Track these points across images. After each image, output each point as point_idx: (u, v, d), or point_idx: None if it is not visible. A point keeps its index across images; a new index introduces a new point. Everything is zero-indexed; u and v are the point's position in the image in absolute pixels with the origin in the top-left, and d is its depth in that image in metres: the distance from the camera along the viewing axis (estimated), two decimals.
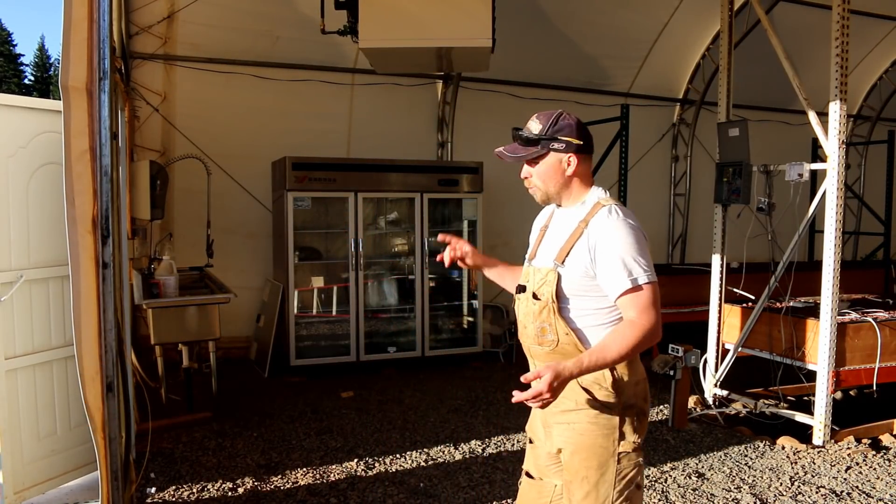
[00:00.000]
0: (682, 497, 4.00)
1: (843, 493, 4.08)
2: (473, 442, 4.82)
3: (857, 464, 4.53)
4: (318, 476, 4.21)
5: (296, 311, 6.57)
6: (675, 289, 7.60)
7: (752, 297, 5.72)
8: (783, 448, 4.80)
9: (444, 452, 4.63)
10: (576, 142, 2.22)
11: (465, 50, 4.84)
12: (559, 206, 2.32)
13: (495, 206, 7.53)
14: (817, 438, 4.91)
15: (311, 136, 7.31)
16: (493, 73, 6.42)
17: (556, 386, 2.02)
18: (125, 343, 3.67)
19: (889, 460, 4.61)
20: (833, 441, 4.91)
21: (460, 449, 4.68)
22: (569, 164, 2.23)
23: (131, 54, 6.50)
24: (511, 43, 6.27)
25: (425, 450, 4.66)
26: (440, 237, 2.57)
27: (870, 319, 5.20)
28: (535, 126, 2.25)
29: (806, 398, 5.53)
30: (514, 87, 8.03)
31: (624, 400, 2.20)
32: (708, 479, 4.26)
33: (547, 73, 8.14)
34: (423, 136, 8.02)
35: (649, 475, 4.29)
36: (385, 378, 6.53)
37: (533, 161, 2.26)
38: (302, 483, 4.11)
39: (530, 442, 2.44)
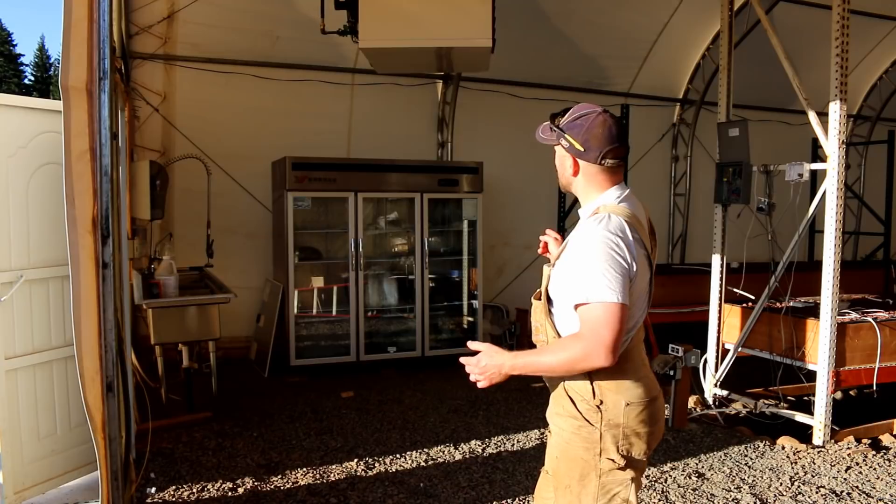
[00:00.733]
0: (682, 497, 4.00)
1: (843, 493, 4.08)
2: (473, 442, 4.82)
3: (857, 464, 4.53)
4: (318, 476, 4.21)
5: (296, 311, 6.57)
6: (675, 289, 7.62)
7: (752, 297, 5.72)
8: (783, 448, 4.80)
9: (444, 452, 4.63)
10: (577, 146, 2.14)
11: (465, 50, 4.84)
12: (580, 203, 2.29)
13: (495, 206, 7.54)
14: (817, 438, 4.91)
15: (311, 136, 7.31)
16: (493, 73, 6.41)
17: (484, 368, 2.10)
18: (125, 343, 3.67)
19: (889, 460, 4.61)
20: (833, 441, 4.91)
21: (460, 449, 4.68)
22: (570, 165, 2.19)
23: (131, 54, 6.50)
24: (511, 43, 6.27)
25: (425, 450, 4.66)
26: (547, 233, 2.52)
27: (870, 319, 5.20)
28: (565, 115, 2.22)
29: (806, 398, 5.53)
30: (514, 87, 8.03)
31: (608, 418, 2.09)
32: (708, 479, 4.26)
33: (547, 73, 8.14)
34: (423, 136, 8.02)
35: (649, 475, 4.29)
36: (385, 378, 6.53)
37: (557, 151, 2.25)
38: (302, 483, 4.11)
39: (549, 429, 2.40)
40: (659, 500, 3.96)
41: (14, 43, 43.14)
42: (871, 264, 9.60)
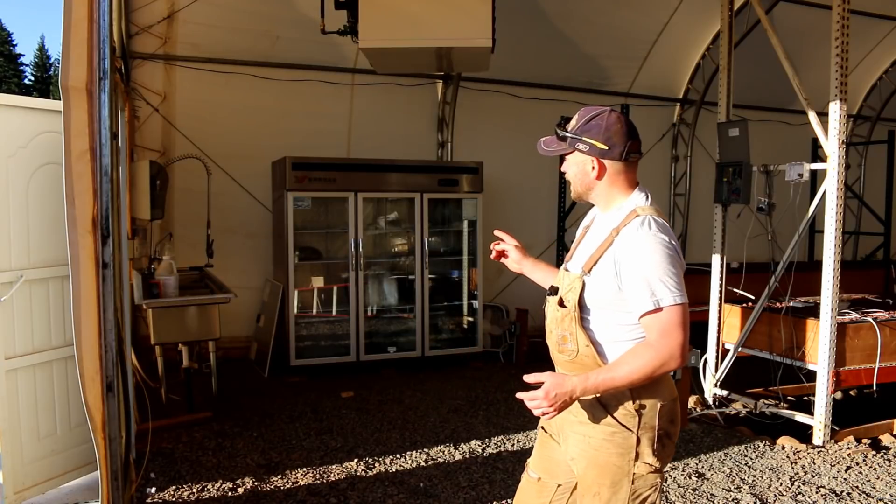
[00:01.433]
0: (682, 497, 4.00)
1: (843, 493, 4.08)
2: (473, 442, 4.82)
3: (857, 464, 4.53)
4: (318, 476, 4.21)
5: (296, 311, 6.57)
6: None
7: (752, 297, 5.72)
8: (783, 448, 4.80)
9: (444, 452, 4.63)
10: (599, 146, 2.09)
11: (465, 50, 4.84)
12: (601, 209, 2.22)
13: (495, 206, 7.53)
14: (817, 438, 4.91)
15: (311, 136, 7.31)
16: (493, 73, 6.41)
17: (556, 397, 1.97)
18: (125, 343, 3.67)
19: (889, 460, 4.61)
20: (833, 441, 4.91)
21: (460, 449, 4.68)
22: (593, 168, 2.13)
23: (131, 54, 6.50)
24: (511, 43, 6.26)
25: (425, 450, 4.66)
26: (496, 233, 2.54)
27: (870, 319, 5.20)
28: (572, 121, 2.16)
29: (806, 398, 5.53)
30: (514, 87, 8.03)
31: (644, 421, 2.09)
32: (708, 479, 4.26)
33: (547, 73, 8.14)
34: (423, 136, 8.02)
35: None
36: (385, 378, 6.53)
37: (569, 157, 2.19)
38: (302, 483, 4.11)
39: (545, 432, 2.36)
40: (659, 500, 3.96)
41: (14, 43, 43.16)
42: (871, 264, 9.60)
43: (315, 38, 5.43)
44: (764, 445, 4.83)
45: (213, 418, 5.15)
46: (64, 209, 2.72)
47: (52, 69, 43.10)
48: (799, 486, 4.17)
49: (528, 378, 2.04)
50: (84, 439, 3.67)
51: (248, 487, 4.03)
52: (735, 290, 5.82)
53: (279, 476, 4.20)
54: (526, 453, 4.61)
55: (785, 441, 4.89)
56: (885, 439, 5.02)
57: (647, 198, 2.15)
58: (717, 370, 5.78)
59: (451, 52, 4.94)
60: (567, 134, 2.14)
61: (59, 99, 2.74)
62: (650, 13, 7.92)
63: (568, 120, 2.18)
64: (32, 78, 43.52)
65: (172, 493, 3.94)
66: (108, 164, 2.79)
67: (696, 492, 4.08)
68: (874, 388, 5.21)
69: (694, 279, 7.50)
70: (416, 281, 6.90)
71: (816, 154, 8.46)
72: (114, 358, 2.86)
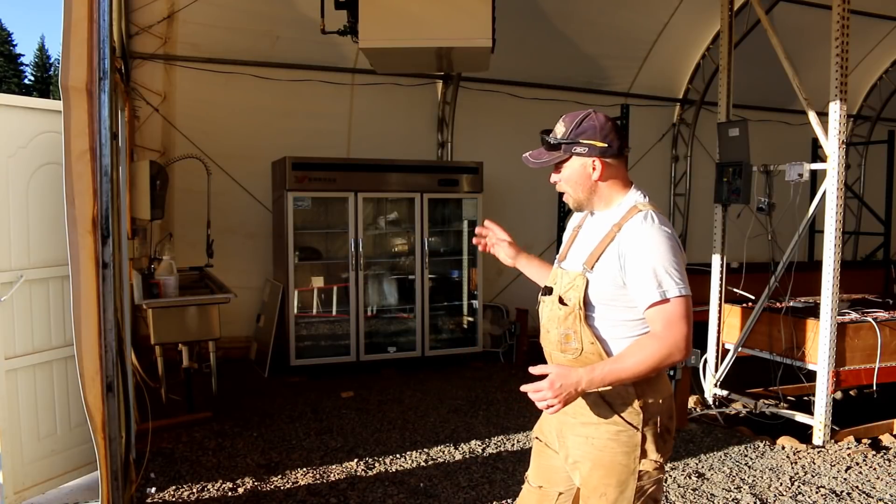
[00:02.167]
0: (682, 497, 4.00)
1: (843, 493, 4.08)
2: (473, 442, 4.82)
3: (857, 464, 4.53)
4: (318, 476, 4.21)
5: (296, 311, 6.57)
6: None
7: (752, 297, 5.72)
8: (783, 448, 4.80)
9: (444, 452, 4.63)
10: (599, 145, 2.08)
11: (465, 50, 4.84)
12: (592, 212, 2.21)
13: (495, 206, 7.53)
14: (817, 438, 4.91)
15: (311, 136, 7.31)
16: (493, 73, 6.41)
17: (560, 389, 1.94)
18: (125, 343, 3.68)
19: (889, 460, 4.61)
20: (833, 441, 4.91)
21: (460, 449, 4.68)
22: (594, 169, 2.11)
23: (131, 54, 6.50)
24: (511, 43, 6.27)
25: (425, 450, 4.66)
26: (486, 223, 2.51)
27: (870, 319, 5.20)
28: (559, 129, 2.13)
29: (806, 398, 5.53)
30: (514, 87, 8.03)
31: (648, 418, 2.09)
32: (708, 479, 4.26)
33: (547, 73, 8.14)
34: (423, 136, 8.02)
35: None
36: (385, 378, 6.53)
37: (558, 166, 2.16)
38: (302, 483, 4.11)
39: (540, 442, 2.34)
40: (661, 493, 3.96)
41: (14, 43, 43.15)
42: (871, 264, 9.60)
43: (315, 38, 5.44)
44: (764, 445, 4.83)
45: (213, 418, 5.15)
46: (64, 209, 2.72)
47: (52, 69, 43.10)
48: (799, 486, 4.17)
49: (534, 370, 2.01)
50: (84, 439, 3.67)
51: (248, 487, 4.03)
52: (735, 290, 5.82)
53: (279, 476, 4.20)
54: (526, 453, 4.60)
55: (785, 441, 4.89)
56: (885, 439, 5.02)
57: (645, 195, 2.16)
58: (717, 370, 5.78)
59: (451, 52, 4.94)
60: (561, 141, 2.12)
61: (59, 99, 2.74)
62: (650, 13, 7.92)
63: (549, 131, 2.16)
64: (32, 78, 43.52)
65: (172, 492, 3.94)
66: (108, 164, 2.79)
67: (696, 492, 4.08)
68: (874, 388, 5.21)
69: (694, 279, 7.47)
70: (416, 281, 6.90)
71: (816, 154, 8.46)
72: (114, 358, 2.86)
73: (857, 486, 4.18)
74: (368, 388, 6.13)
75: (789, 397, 5.67)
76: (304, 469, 4.30)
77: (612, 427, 2.10)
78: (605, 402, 2.10)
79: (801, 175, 5.09)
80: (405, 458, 4.51)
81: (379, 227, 7.15)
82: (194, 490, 3.98)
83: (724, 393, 5.72)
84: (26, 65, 43.88)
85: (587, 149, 2.10)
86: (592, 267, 2.09)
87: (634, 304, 2.05)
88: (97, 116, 2.75)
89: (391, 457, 4.53)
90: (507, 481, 4.16)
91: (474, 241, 2.53)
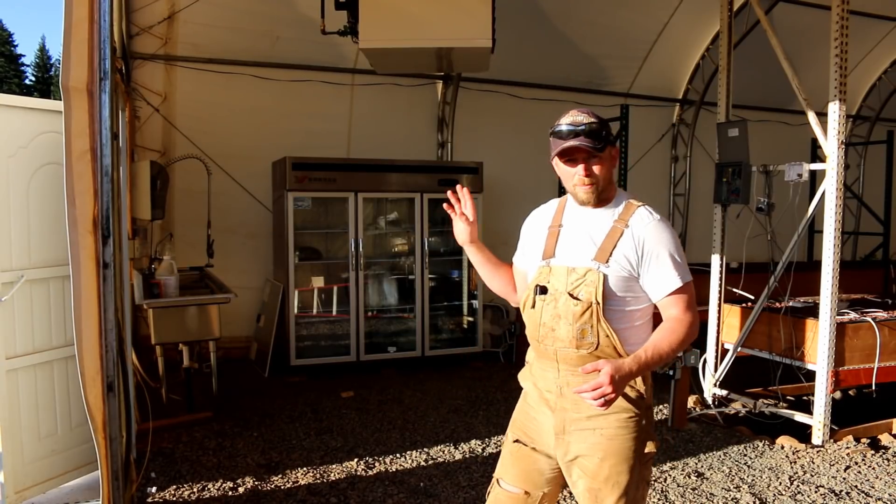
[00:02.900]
0: (682, 497, 4.01)
1: (843, 493, 4.08)
2: (473, 442, 4.82)
3: (857, 463, 4.54)
4: (318, 476, 4.21)
5: (296, 311, 6.58)
6: None
7: (752, 297, 5.73)
8: (782, 448, 4.80)
9: (444, 452, 4.64)
10: (612, 138, 2.21)
11: (465, 50, 4.84)
12: (593, 205, 2.22)
13: (495, 206, 7.54)
14: (816, 438, 4.92)
15: (311, 136, 7.31)
16: (493, 73, 6.42)
17: (619, 381, 1.96)
18: (126, 343, 3.68)
19: (888, 460, 4.61)
20: (832, 441, 4.91)
21: (460, 449, 4.69)
22: (616, 163, 2.26)
23: (132, 54, 6.50)
24: (511, 43, 6.27)
25: (425, 450, 4.67)
26: (458, 189, 2.50)
27: (869, 319, 5.20)
28: (589, 119, 2.17)
29: (805, 398, 5.53)
30: (514, 87, 8.03)
31: (647, 403, 2.21)
32: (707, 479, 4.26)
33: (547, 73, 8.14)
34: (423, 136, 8.03)
35: None
36: (385, 378, 6.53)
37: (599, 158, 2.17)
38: (302, 483, 4.12)
39: (524, 446, 2.32)
40: (658, 499, 3.97)
41: (15, 43, 43.15)
42: (871, 264, 9.61)
43: (315, 38, 5.44)
44: (763, 445, 4.84)
45: (214, 418, 5.16)
46: (64, 209, 2.73)
47: (53, 69, 43.10)
48: (798, 486, 4.18)
49: (586, 368, 2.00)
50: (85, 439, 3.68)
51: (249, 487, 4.04)
52: (734, 289, 5.82)
53: (279, 476, 4.20)
54: None
55: (784, 441, 4.89)
56: (884, 439, 5.02)
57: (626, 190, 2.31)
58: (716, 370, 5.79)
59: (451, 52, 4.95)
60: (605, 131, 2.19)
61: (60, 99, 2.74)
62: (650, 13, 7.93)
63: (587, 122, 2.17)
64: (33, 78, 43.52)
65: (173, 492, 3.95)
66: (108, 164, 2.79)
67: (696, 491, 4.08)
68: (873, 387, 5.22)
69: (693, 279, 7.55)
70: (416, 281, 6.90)
71: (816, 154, 8.47)
72: (114, 358, 2.86)
73: (856, 486, 4.19)
74: (368, 388, 6.14)
75: (788, 397, 5.68)
76: (305, 469, 4.30)
77: (622, 415, 2.16)
78: None
79: (800, 175, 5.09)
80: (405, 458, 4.52)
81: (379, 227, 7.16)
82: (195, 490, 3.99)
83: (724, 393, 5.72)
84: (27, 65, 43.94)
85: (615, 138, 2.16)
86: (607, 261, 2.14)
87: (640, 293, 2.17)
88: (98, 117, 2.75)
89: (391, 457, 4.54)
90: None
91: (445, 206, 2.49)
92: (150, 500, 3.87)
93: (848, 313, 5.35)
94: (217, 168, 6.64)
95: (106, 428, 2.85)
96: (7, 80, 39.95)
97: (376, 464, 4.42)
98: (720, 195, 5.64)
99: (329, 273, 7.06)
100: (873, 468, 4.47)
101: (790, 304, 5.55)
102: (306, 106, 7.29)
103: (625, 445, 2.16)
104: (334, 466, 4.36)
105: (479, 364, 7.10)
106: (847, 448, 4.79)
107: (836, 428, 5.00)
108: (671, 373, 5.15)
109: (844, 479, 4.30)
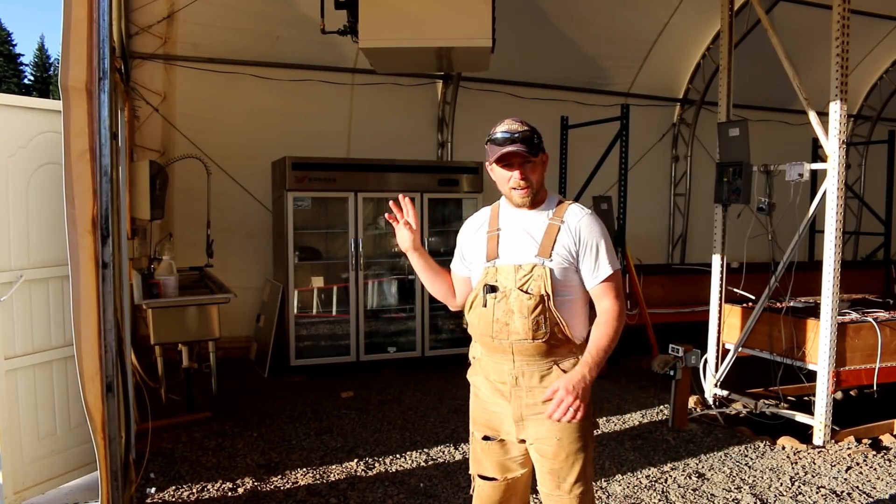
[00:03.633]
0: (683, 497, 4.00)
1: (844, 494, 4.07)
2: None
3: (858, 464, 4.53)
4: (318, 476, 4.21)
5: (296, 311, 6.57)
6: (676, 289, 7.61)
7: (753, 297, 5.72)
8: (783, 448, 4.79)
9: (444, 452, 4.63)
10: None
11: (465, 50, 4.83)
12: (528, 207, 2.41)
13: None
14: (818, 438, 4.91)
15: (311, 136, 7.31)
16: (493, 73, 6.41)
17: (578, 391, 2.21)
18: (125, 343, 3.67)
19: (889, 460, 4.60)
20: (833, 441, 4.91)
21: (460, 449, 4.68)
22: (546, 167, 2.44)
23: (131, 54, 6.50)
24: (511, 43, 6.26)
25: (425, 450, 4.66)
26: (400, 198, 2.58)
27: (870, 319, 5.19)
28: (522, 127, 2.35)
29: (806, 398, 5.52)
30: (514, 87, 8.03)
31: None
32: (708, 480, 4.26)
33: (547, 73, 8.14)
34: (423, 136, 8.02)
35: (649, 475, 4.29)
36: (385, 378, 6.53)
37: (532, 163, 2.36)
38: (302, 483, 4.11)
39: (492, 441, 2.49)
40: (659, 500, 3.96)
41: (14, 43, 43.15)
42: (872, 264, 9.60)
43: (315, 38, 5.43)
44: (764, 445, 4.83)
45: (213, 418, 5.15)
46: (64, 209, 2.72)
47: (52, 69, 43.09)
48: (799, 487, 4.17)
49: (546, 395, 2.28)
50: (84, 439, 3.67)
51: (248, 487, 4.03)
52: (735, 290, 5.81)
53: (279, 476, 4.19)
54: None
55: (785, 441, 4.88)
56: (886, 439, 5.01)
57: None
58: (717, 370, 5.78)
59: (451, 52, 4.94)
60: (539, 142, 2.38)
61: (59, 99, 2.73)
62: (650, 13, 7.92)
63: (518, 131, 2.34)
64: (32, 78, 43.51)
65: (172, 493, 3.94)
66: (107, 164, 2.79)
67: (697, 492, 4.08)
68: (874, 388, 5.21)
69: (694, 279, 7.57)
70: (416, 281, 6.89)
71: (816, 154, 8.46)
72: (114, 358, 2.86)
73: (857, 487, 4.18)
74: (368, 388, 6.13)
75: (789, 397, 5.67)
76: (304, 469, 4.30)
77: None
78: (565, 373, 2.35)
79: (801, 175, 5.09)
80: (405, 458, 4.51)
81: (379, 227, 7.15)
82: (194, 490, 3.98)
83: (725, 393, 5.72)
84: (26, 65, 43.94)
85: (545, 150, 2.41)
86: (550, 255, 2.33)
87: (578, 282, 2.38)
88: (97, 116, 2.75)
89: (391, 457, 4.53)
90: None
91: (388, 216, 2.59)
92: (149, 500, 3.86)
93: (849, 313, 5.34)
94: (217, 168, 6.63)
95: (105, 428, 2.84)
96: (6, 79, 39.96)
97: (376, 464, 4.41)
98: (721, 195, 5.64)
99: (329, 273, 7.05)
100: (875, 469, 4.46)
101: (791, 304, 5.54)
102: (306, 106, 7.29)
103: (578, 426, 2.35)
104: (334, 467, 4.35)
105: None
106: (848, 448, 4.79)
107: (837, 428, 4.99)
108: (672, 373, 5.15)
109: (846, 479, 4.29)
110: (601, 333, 2.33)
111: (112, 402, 2.86)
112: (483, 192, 7.10)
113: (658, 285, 7.53)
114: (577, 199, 7.70)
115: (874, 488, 4.16)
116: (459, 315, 7.45)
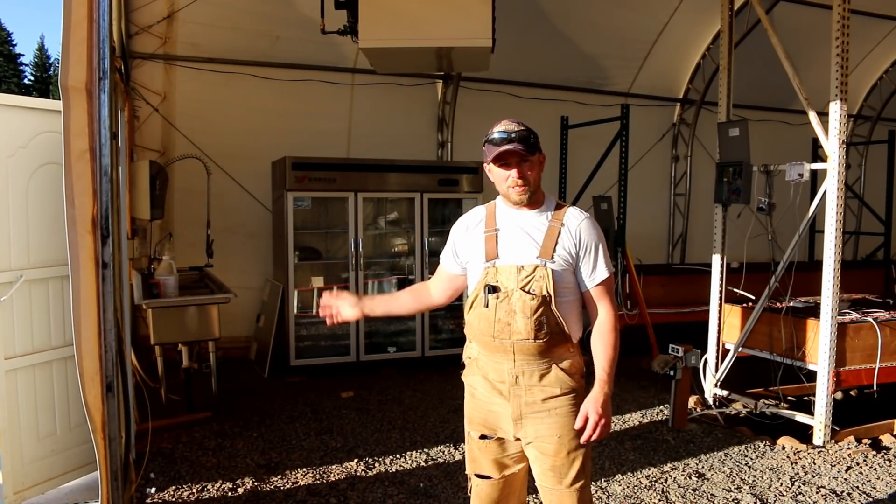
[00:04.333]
0: (683, 497, 4.00)
1: (844, 494, 4.07)
2: None
3: (858, 464, 4.53)
4: (318, 476, 4.21)
5: (296, 311, 6.57)
6: (676, 289, 7.61)
7: (753, 297, 5.72)
8: (783, 448, 4.79)
9: (444, 452, 4.63)
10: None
11: (465, 50, 4.83)
12: (525, 207, 2.45)
13: None
14: (818, 438, 4.91)
15: (311, 136, 7.31)
16: (493, 73, 6.41)
17: (604, 410, 2.32)
18: (125, 343, 3.67)
19: (889, 460, 4.60)
20: (833, 441, 4.91)
21: (460, 449, 4.68)
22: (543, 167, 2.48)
23: (131, 54, 6.50)
24: (511, 43, 6.27)
25: (425, 450, 4.66)
26: (327, 300, 2.76)
27: (870, 319, 5.19)
28: (519, 127, 2.38)
29: (806, 398, 5.52)
30: (514, 87, 8.03)
31: (583, 382, 2.48)
32: (708, 480, 4.26)
33: (547, 73, 8.14)
34: (423, 136, 8.02)
35: (649, 475, 4.29)
36: (385, 378, 6.53)
37: (530, 162, 2.39)
38: (302, 483, 4.11)
39: (489, 439, 2.50)
40: (659, 500, 3.96)
41: (14, 43, 43.15)
42: (872, 264, 9.60)
43: (315, 38, 5.43)
44: (764, 445, 4.83)
45: (213, 418, 5.15)
46: (64, 209, 2.72)
47: (52, 69, 43.09)
48: (799, 487, 4.17)
49: (578, 424, 2.35)
50: (84, 439, 3.67)
51: (248, 487, 4.03)
52: (735, 290, 5.81)
53: (279, 476, 4.19)
54: None
55: (785, 441, 4.88)
56: (886, 439, 5.01)
57: None
58: (717, 370, 5.78)
59: (451, 52, 4.94)
60: (536, 141, 2.40)
61: (59, 99, 2.73)
62: (650, 13, 7.92)
63: (516, 131, 2.37)
64: (32, 78, 43.51)
65: (172, 493, 3.94)
66: (107, 163, 2.78)
67: (697, 492, 4.08)
68: (874, 388, 5.21)
69: (694, 279, 7.57)
70: (415, 281, 6.89)
71: (817, 154, 8.46)
72: (114, 358, 2.85)
73: (857, 487, 4.18)
74: (368, 388, 6.13)
75: (789, 397, 5.67)
76: (304, 469, 4.29)
77: (572, 394, 2.42)
78: (568, 374, 2.41)
79: (801, 175, 5.08)
80: (405, 458, 4.51)
81: (379, 227, 7.15)
82: (194, 490, 3.98)
83: (725, 393, 5.72)
84: (26, 65, 43.94)
85: (541, 150, 2.45)
86: (552, 257, 2.36)
87: (576, 283, 2.42)
88: (97, 116, 2.74)
89: (391, 457, 4.53)
90: None
91: (324, 315, 2.81)
92: (149, 500, 3.86)
93: (849, 313, 5.34)
94: (217, 168, 6.63)
95: (105, 428, 2.84)
96: (6, 79, 39.96)
97: (376, 464, 4.41)
98: (721, 195, 5.64)
99: (329, 273, 7.05)
100: (875, 469, 4.46)
101: (791, 304, 5.54)
102: (306, 106, 7.29)
103: (573, 422, 2.39)
104: (334, 467, 4.35)
105: None
106: (848, 448, 4.79)
107: (837, 428, 4.99)
108: (672, 373, 5.15)
109: (846, 479, 4.29)
110: (607, 346, 2.40)
111: (112, 402, 2.86)
112: (483, 192, 7.10)
113: (658, 285, 7.53)
114: (577, 199, 7.71)
115: (874, 488, 4.16)
116: (460, 315, 7.50)
